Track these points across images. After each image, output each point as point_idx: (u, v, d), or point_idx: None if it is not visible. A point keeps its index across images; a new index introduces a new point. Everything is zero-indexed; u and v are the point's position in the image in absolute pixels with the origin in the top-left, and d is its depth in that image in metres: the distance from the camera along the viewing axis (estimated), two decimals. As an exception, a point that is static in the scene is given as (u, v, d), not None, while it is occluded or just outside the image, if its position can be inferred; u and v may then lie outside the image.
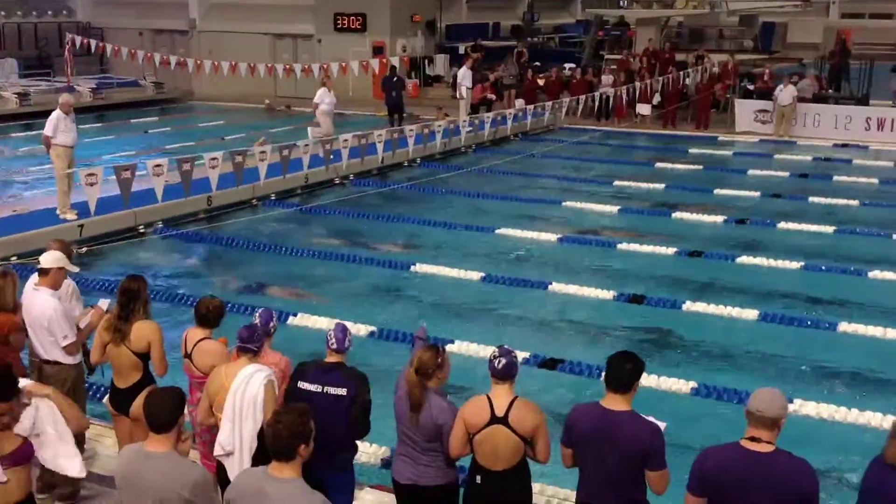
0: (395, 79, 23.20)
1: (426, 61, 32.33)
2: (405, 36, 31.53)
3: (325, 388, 5.57)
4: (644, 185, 18.40)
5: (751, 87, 26.35)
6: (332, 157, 17.82)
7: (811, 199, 17.13)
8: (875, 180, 18.91)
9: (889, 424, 7.85)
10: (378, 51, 30.10)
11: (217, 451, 5.62)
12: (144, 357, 6.37)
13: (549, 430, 5.30)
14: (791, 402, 8.23)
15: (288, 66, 26.32)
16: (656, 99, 25.94)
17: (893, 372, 9.45)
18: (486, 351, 6.94)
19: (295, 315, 10.52)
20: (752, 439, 4.47)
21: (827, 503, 6.60)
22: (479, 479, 5.34)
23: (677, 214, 15.88)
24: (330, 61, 25.41)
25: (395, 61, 24.84)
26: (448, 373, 5.58)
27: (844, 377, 9.43)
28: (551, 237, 14.40)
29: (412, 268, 12.74)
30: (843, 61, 27.91)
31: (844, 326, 10.49)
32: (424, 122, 21.78)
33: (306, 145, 17.51)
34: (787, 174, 19.64)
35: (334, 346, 5.71)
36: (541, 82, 27.69)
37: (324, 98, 20.10)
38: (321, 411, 5.18)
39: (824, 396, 8.72)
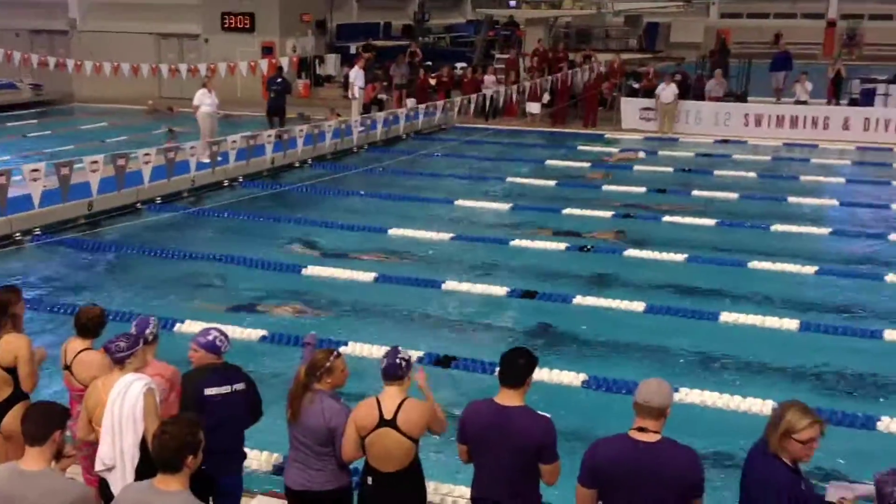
0: (279, 80, 22.77)
1: (317, 61, 32.03)
2: (295, 36, 31.16)
3: (234, 387, 5.60)
4: (535, 183, 18.64)
5: (636, 86, 27.01)
6: (219, 158, 17.44)
7: (694, 192, 17.67)
8: (753, 174, 19.64)
9: (769, 410, 8.22)
10: (267, 51, 29.66)
11: (98, 466, 5.41)
12: (13, 372, 6.09)
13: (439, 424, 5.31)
14: (677, 390, 8.48)
15: (173, 67, 25.66)
16: (546, 97, 26.34)
17: (773, 358, 9.80)
18: (381, 352, 6.89)
19: (182, 322, 10.25)
20: (640, 430, 4.56)
21: (713, 489, 6.80)
22: (370, 480, 5.30)
23: (567, 211, 16.14)
24: (217, 62, 24.90)
25: (284, 62, 24.49)
26: (342, 378, 5.52)
27: (727, 364, 9.75)
28: (445, 236, 14.45)
29: (304, 270, 12.58)
30: (723, 60, 28.89)
31: (726, 316, 10.84)
32: (315, 123, 21.56)
33: (192, 147, 17.10)
34: (671, 169, 20.21)
35: (223, 349, 5.67)
36: (432, 82, 27.78)
37: (204, 100, 19.58)
38: (231, 411, 5.53)
39: (709, 384, 8.97)
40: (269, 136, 18.70)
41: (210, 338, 5.65)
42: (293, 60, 26.80)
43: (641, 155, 21.57)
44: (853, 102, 24.91)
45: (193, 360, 5.69)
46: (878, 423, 8.18)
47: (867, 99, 24.55)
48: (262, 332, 10.16)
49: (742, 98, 25.88)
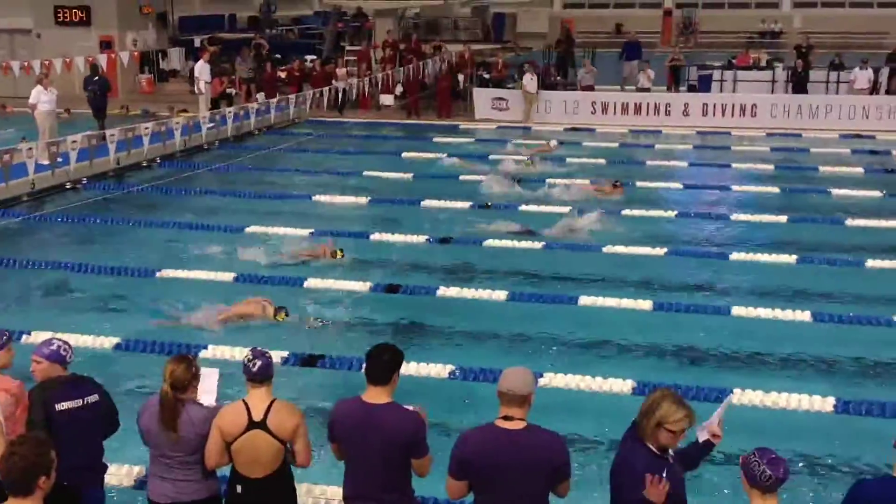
0: (95, 78, 21.67)
1: (160, 55, 30.91)
2: (135, 29, 29.95)
3: (86, 399, 5.36)
4: (392, 175, 18.60)
5: (486, 76, 27.39)
6: (59, 159, 16.56)
7: (548, 180, 18.03)
8: (602, 160, 20.21)
9: (629, 390, 8.47)
10: (106, 45, 28.38)
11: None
12: None
13: (308, 430, 5.22)
14: (541, 376, 8.63)
15: (4, 64, 24.21)
16: (398, 89, 26.32)
17: (630, 338, 10.10)
18: (242, 355, 6.68)
19: (29, 334, 9.66)
20: (506, 418, 4.62)
21: (584, 474, 6.95)
22: (239, 489, 5.16)
23: (426, 203, 16.17)
24: (52, 57, 23.65)
25: (124, 56, 23.52)
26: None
27: (590, 347, 9.99)
28: (303, 232, 14.21)
29: (157, 273, 12.09)
30: (569, 49, 29.64)
31: (584, 300, 11.09)
32: (160, 120, 20.79)
33: (30, 148, 16.17)
34: (526, 159, 20.55)
35: (69, 359, 5.44)
36: (282, 75, 27.30)
37: (40, 97, 18.55)
38: (86, 424, 5.34)
39: (573, 368, 9.15)
40: (112, 134, 17.88)
41: (53, 348, 5.39)
42: (134, 55, 25.76)
43: (554, 144, 21.76)
44: (692, 89, 26.04)
45: (37, 373, 5.39)
46: (731, 396, 8.53)
47: (704, 85, 25.73)
48: (115, 340, 9.71)
49: (589, 87, 26.62)
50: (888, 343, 9.89)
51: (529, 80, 24.92)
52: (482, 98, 25.79)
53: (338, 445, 5.13)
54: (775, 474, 4.23)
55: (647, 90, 25.62)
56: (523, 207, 15.86)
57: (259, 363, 5.15)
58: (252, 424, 5.06)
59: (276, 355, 8.60)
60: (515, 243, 13.57)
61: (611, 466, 4.81)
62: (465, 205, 16.05)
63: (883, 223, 14.67)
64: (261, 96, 25.25)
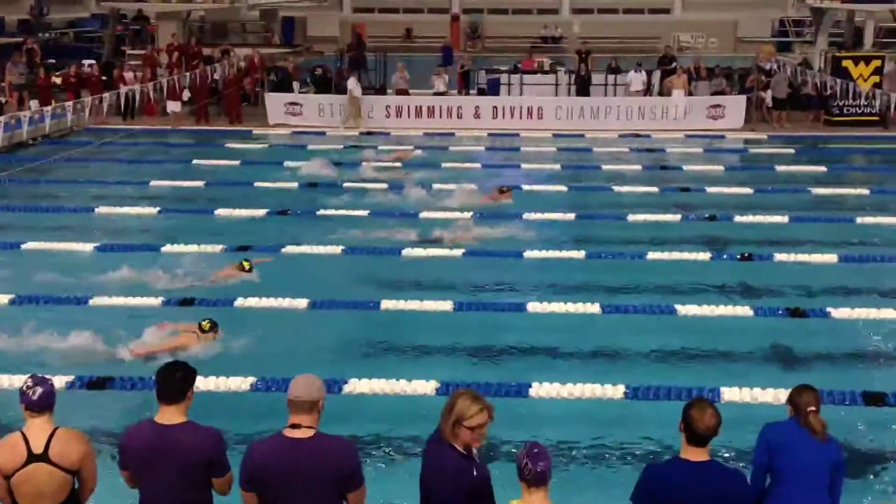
0: None
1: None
2: None
3: None
4: (183, 184, 17.91)
5: (278, 80, 26.92)
6: None
7: (345, 184, 17.96)
8: (398, 164, 20.35)
9: (433, 391, 8.55)
10: None
11: None
12: None
13: (96, 458, 4.96)
14: (346, 382, 8.57)
15: None
16: (186, 95, 25.41)
17: (432, 339, 10.20)
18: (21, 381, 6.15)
19: None
20: (294, 426, 4.61)
21: (381, 476, 6.95)
22: (24, 527, 4.77)
23: (220, 211, 15.68)
24: None
25: None
26: None
27: (390, 351, 10.01)
28: (86, 247, 13.40)
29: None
30: (361, 54, 29.66)
31: (386, 303, 11.09)
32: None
33: None
34: (321, 162, 20.39)
35: None
36: (57, 80, 25.71)
37: None
38: None
39: (373, 371, 9.10)
40: None
41: None
42: None
43: (418, 153, 21.60)
44: (481, 92, 26.72)
45: None
46: (530, 390, 8.80)
47: (493, 89, 26.49)
48: None
49: (381, 91, 26.77)
50: (672, 330, 10.51)
51: (355, 85, 24.85)
52: (275, 103, 25.35)
53: (130, 473, 4.92)
54: (534, 468, 4.33)
55: (444, 93, 26.06)
56: (321, 212, 15.69)
57: (40, 390, 4.81)
58: (32, 457, 4.71)
59: (60, 380, 8.08)
60: (315, 248, 13.37)
61: (419, 474, 4.81)
62: (262, 212, 15.71)
63: (661, 217, 15.59)
64: (34, 104, 23.64)
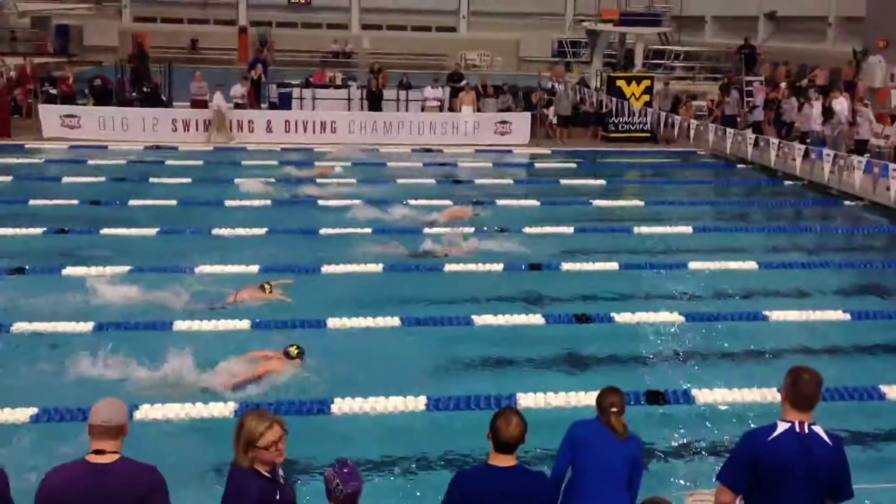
0: None
1: None
2: None
3: None
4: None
5: (54, 92, 25.42)
6: None
7: (131, 202, 17.17)
8: (188, 179, 19.68)
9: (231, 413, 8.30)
10: None
11: None
12: None
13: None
14: (137, 407, 8.16)
15: None
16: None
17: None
18: None
19: None
20: (98, 452, 4.40)
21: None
22: None
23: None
24: None
25: None
26: None
27: (184, 375, 9.61)
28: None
29: None
30: (143, 65, 28.48)
31: (179, 324, 10.68)
32: None
33: None
34: (103, 179, 19.42)
35: None
36: None
37: None
38: None
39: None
40: None
41: None
42: None
43: (338, 169, 20.98)
44: (273, 106, 26.36)
45: None
46: (332, 407, 8.72)
47: (285, 103, 26.19)
48: None
49: (167, 103, 25.82)
50: (468, 339, 10.74)
51: (220, 98, 24.04)
52: (50, 115, 23.86)
53: None
54: (345, 488, 4.34)
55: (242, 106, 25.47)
56: (106, 231, 14.90)
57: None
58: None
59: None
60: (106, 269, 12.66)
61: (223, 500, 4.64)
62: (39, 230, 14.74)
63: (455, 230, 15.87)
64: None
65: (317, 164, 22.33)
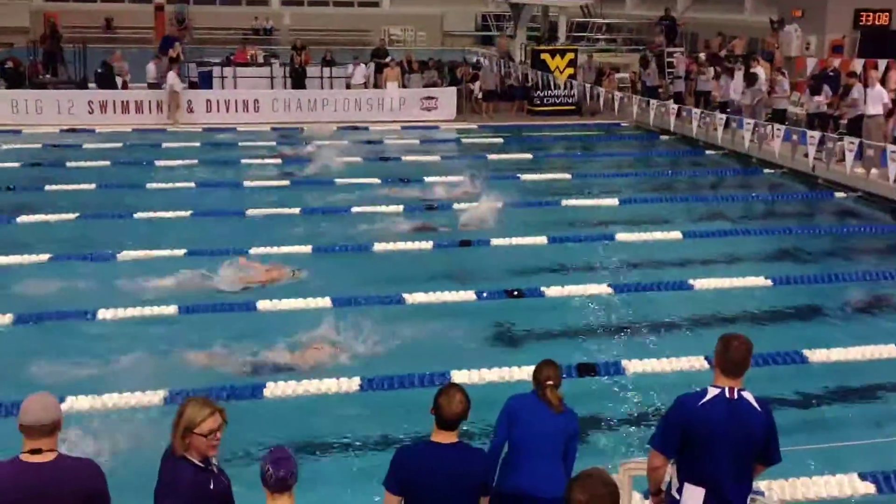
0: None
1: None
2: None
3: None
4: None
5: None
6: None
7: (48, 187, 16.66)
8: (107, 162, 19.17)
9: (161, 400, 8.15)
10: None
11: None
12: None
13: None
14: (63, 400, 7.96)
15: None
16: None
17: (158, 347, 9.71)
18: None
19: None
20: (33, 451, 4.24)
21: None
22: None
23: None
24: None
25: None
26: None
27: (112, 363, 9.41)
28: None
29: None
30: (56, 45, 27.54)
31: (103, 313, 10.43)
32: None
33: None
34: (17, 164, 18.80)
35: None
36: None
37: None
38: None
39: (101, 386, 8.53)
40: None
41: None
42: None
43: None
44: (193, 85, 25.75)
45: None
46: (264, 391, 8.63)
47: (206, 82, 25.63)
48: None
49: (82, 85, 25.06)
50: (400, 317, 10.70)
51: (174, 78, 23.31)
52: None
53: None
54: (276, 474, 4.27)
55: (157, 86, 24.79)
56: (22, 219, 14.44)
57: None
58: None
59: None
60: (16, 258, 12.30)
61: (154, 492, 4.53)
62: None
63: (382, 209, 15.78)
64: None
65: (240, 144, 21.95)
